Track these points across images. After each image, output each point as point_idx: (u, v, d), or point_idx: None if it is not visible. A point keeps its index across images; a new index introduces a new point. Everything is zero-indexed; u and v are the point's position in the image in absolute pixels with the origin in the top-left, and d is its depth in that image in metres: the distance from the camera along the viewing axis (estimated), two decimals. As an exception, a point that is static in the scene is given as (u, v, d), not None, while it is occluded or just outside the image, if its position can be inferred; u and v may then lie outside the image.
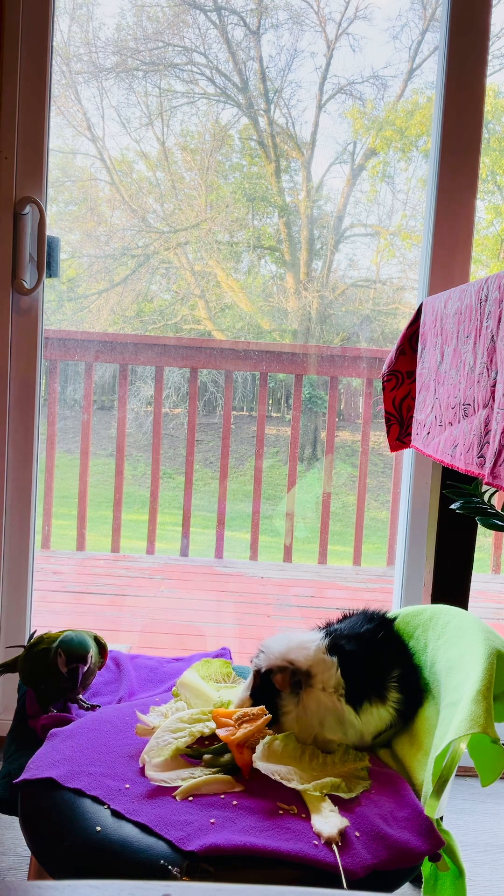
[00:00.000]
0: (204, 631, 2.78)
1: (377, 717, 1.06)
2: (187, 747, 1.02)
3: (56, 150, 2.95)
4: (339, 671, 1.05)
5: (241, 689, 1.12)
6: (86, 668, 1.18)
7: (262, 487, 3.19)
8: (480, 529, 1.36)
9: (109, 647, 1.32)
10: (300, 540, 3.30)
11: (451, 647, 1.08)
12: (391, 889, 0.90)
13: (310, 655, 1.06)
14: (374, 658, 1.09)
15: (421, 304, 1.44)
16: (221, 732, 1.01)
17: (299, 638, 1.10)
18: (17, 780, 1.00)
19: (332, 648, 1.07)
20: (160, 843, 0.88)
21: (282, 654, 1.07)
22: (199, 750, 1.03)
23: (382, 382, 1.53)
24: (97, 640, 1.27)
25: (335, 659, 1.06)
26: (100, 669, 1.27)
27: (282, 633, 1.13)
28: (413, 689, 1.10)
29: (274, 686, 1.06)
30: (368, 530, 3.33)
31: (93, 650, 1.22)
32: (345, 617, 1.19)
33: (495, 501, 1.20)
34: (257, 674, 1.08)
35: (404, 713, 1.08)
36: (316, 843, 0.87)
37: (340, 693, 1.04)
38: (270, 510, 3.34)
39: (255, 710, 1.04)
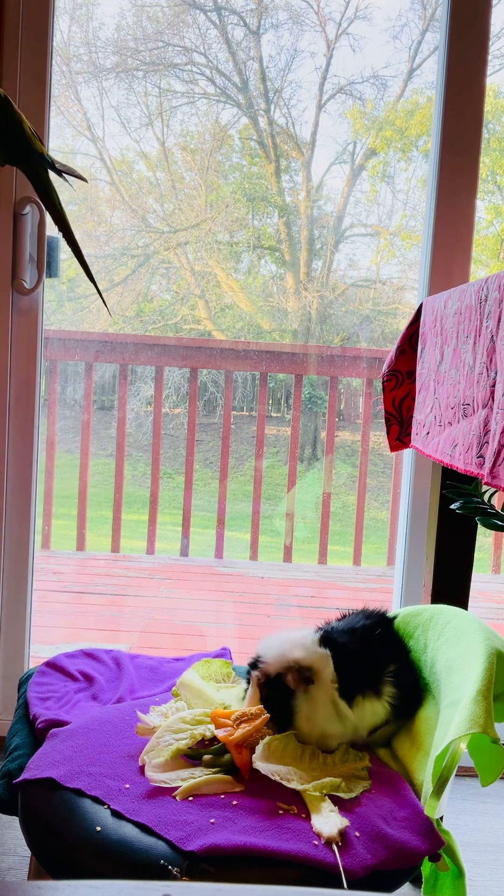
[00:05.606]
0: (204, 631, 2.78)
1: (371, 711, 1.06)
2: (188, 748, 1.02)
3: (56, 150, 2.95)
4: (331, 663, 1.05)
5: (246, 701, 1.08)
6: None
7: (262, 487, 3.19)
8: (480, 529, 1.36)
9: (109, 647, 1.32)
10: (300, 540, 3.30)
11: (451, 647, 1.08)
12: (391, 889, 0.90)
13: (308, 651, 1.06)
14: (368, 652, 1.09)
15: (421, 304, 1.44)
16: (220, 733, 1.01)
17: (291, 636, 1.10)
18: (17, 780, 1.00)
19: (323, 642, 1.07)
20: (160, 843, 0.88)
21: (284, 654, 1.06)
22: (200, 751, 1.03)
23: (382, 382, 1.53)
24: None
25: (327, 651, 1.06)
26: None
27: (270, 637, 1.11)
28: (409, 685, 1.10)
29: (285, 689, 1.04)
30: (368, 530, 3.33)
31: None
32: (343, 617, 1.19)
33: (495, 501, 1.20)
34: (264, 684, 1.05)
35: (399, 708, 1.08)
36: (316, 843, 0.87)
37: (335, 686, 1.04)
38: (270, 510, 3.34)
39: (254, 709, 1.04)
